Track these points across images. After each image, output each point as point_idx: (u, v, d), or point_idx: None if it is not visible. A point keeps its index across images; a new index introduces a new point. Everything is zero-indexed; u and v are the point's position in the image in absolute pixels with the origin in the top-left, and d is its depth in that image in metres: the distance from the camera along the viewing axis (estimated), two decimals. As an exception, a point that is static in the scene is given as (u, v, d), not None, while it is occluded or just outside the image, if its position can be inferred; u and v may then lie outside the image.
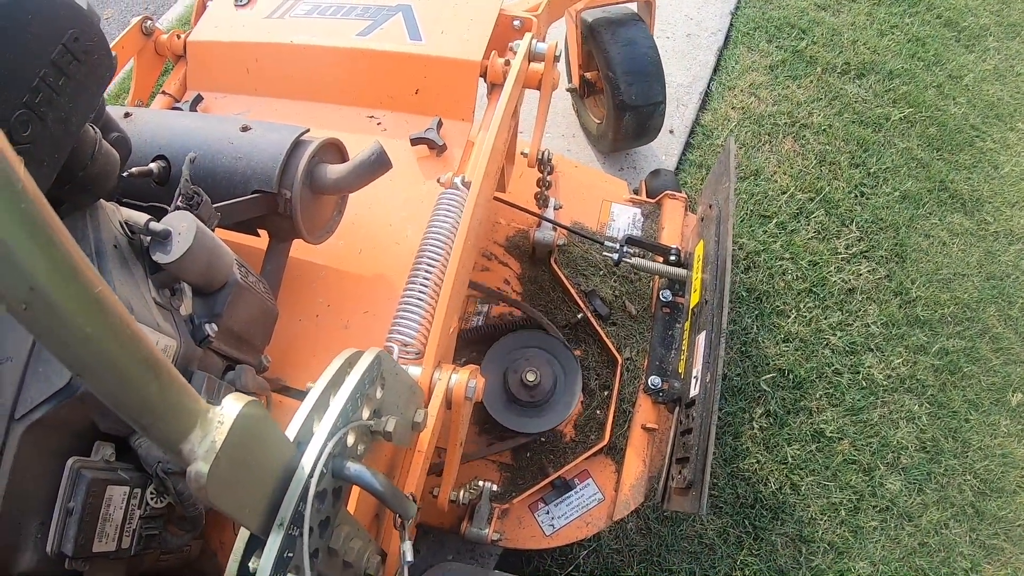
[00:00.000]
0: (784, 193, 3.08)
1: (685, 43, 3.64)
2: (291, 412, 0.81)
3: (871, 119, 3.40)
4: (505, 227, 2.32)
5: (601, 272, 2.28)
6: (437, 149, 1.78)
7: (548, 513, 1.92)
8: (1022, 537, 2.46)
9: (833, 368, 2.67)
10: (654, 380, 2.00)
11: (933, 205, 3.19)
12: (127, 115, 1.45)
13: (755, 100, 3.41)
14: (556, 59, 1.83)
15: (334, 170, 1.43)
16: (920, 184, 3.23)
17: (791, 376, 2.63)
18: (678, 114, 3.34)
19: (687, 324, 1.99)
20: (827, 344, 2.72)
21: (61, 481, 0.95)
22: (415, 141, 1.78)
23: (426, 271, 1.40)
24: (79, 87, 0.88)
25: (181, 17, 3.81)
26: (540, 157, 1.99)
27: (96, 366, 0.47)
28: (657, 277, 2.22)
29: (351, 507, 1.01)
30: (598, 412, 2.05)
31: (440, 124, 1.80)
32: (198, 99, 1.90)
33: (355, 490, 1.04)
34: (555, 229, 2.20)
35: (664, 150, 3.23)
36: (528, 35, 1.78)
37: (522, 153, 2.00)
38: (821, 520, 2.38)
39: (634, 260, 2.09)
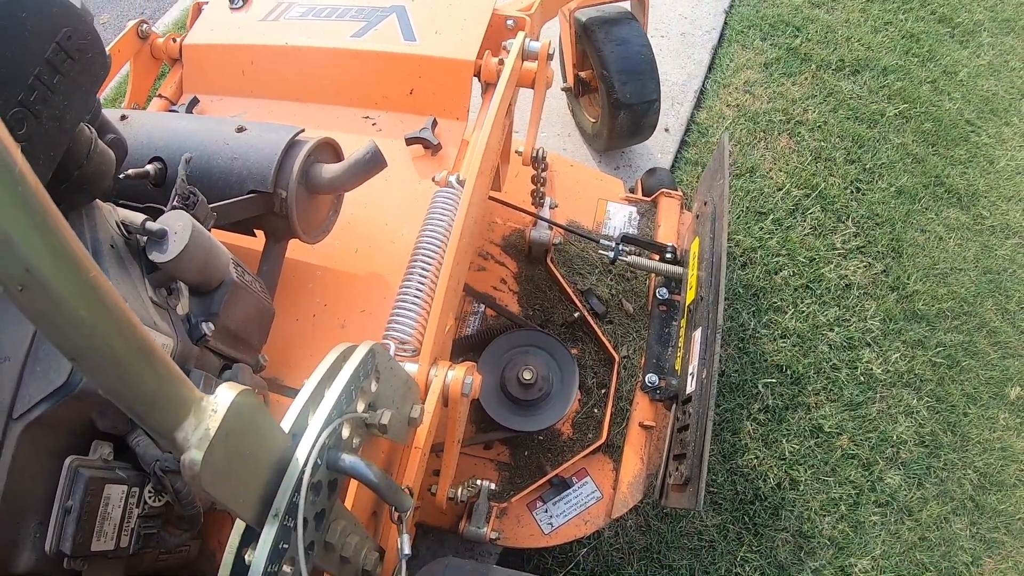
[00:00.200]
0: (780, 190, 3.09)
1: (680, 41, 3.65)
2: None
3: (866, 115, 3.41)
4: (501, 226, 2.32)
5: (597, 271, 2.29)
6: (432, 148, 1.79)
7: (547, 512, 1.92)
8: (1022, 530, 2.47)
9: (831, 363, 2.67)
10: (651, 378, 2.01)
11: (929, 200, 3.20)
12: (123, 117, 1.46)
13: (750, 97, 3.42)
14: (549, 57, 1.84)
15: (329, 169, 1.44)
16: (916, 179, 3.24)
17: (789, 372, 2.63)
18: (673, 112, 3.35)
19: (683, 321, 1.99)
20: (825, 340, 2.73)
21: (59, 480, 0.95)
22: (410, 141, 1.78)
23: (422, 269, 1.41)
24: (73, 85, 0.89)
25: (177, 21, 3.82)
26: (535, 155, 1.99)
27: (91, 350, 0.47)
28: (653, 275, 2.23)
29: (348, 502, 1.02)
30: (595, 410, 2.06)
31: (435, 123, 1.81)
32: (194, 102, 1.91)
33: (352, 486, 1.04)
34: (551, 228, 2.21)
35: (659, 148, 3.24)
36: (521, 34, 1.79)
37: (517, 152, 2.01)
38: (821, 516, 2.38)
39: (630, 258, 2.10)
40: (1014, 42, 3.97)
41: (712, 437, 1.53)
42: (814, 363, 2.67)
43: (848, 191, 3.14)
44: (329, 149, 1.52)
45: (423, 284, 1.39)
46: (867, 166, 3.23)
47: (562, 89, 3.13)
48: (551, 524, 1.90)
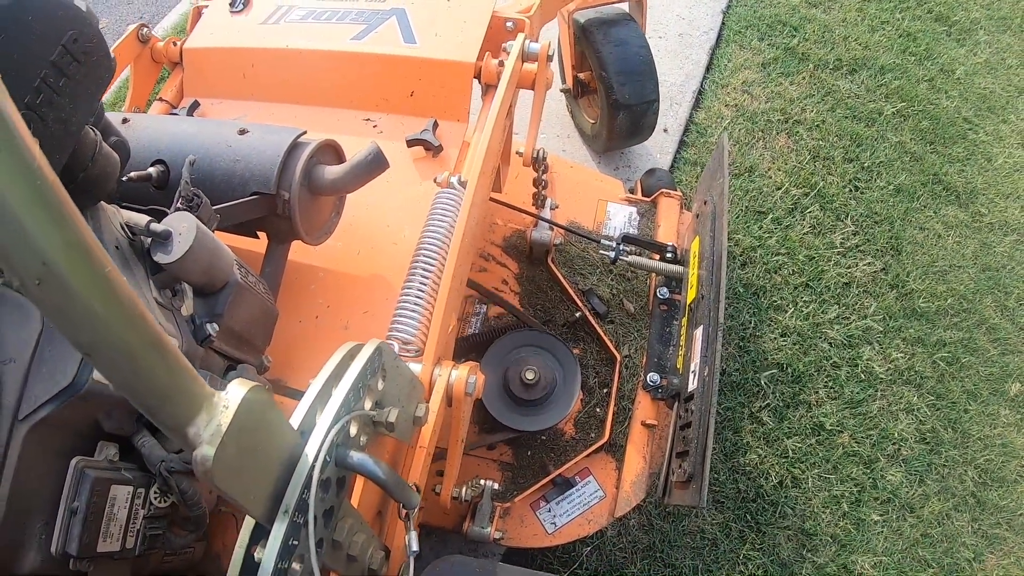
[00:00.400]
0: (779, 189, 3.10)
1: (678, 42, 3.66)
2: (292, 413, 0.82)
3: (864, 114, 3.42)
4: (502, 228, 2.33)
5: (598, 271, 2.30)
6: (433, 150, 1.79)
7: (550, 511, 1.93)
8: (1024, 526, 2.48)
9: (832, 361, 2.68)
10: (653, 377, 2.01)
11: (927, 198, 3.21)
12: (125, 121, 1.46)
13: (748, 97, 3.43)
14: (549, 59, 1.84)
15: (332, 171, 1.44)
16: (914, 177, 3.25)
17: (790, 370, 2.64)
18: (672, 113, 3.36)
19: (684, 320, 2.00)
20: (825, 338, 2.73)
21: (65, 481, 0.96)
22: (411, 142, 1.79)
23: (424, 270, 1.41)
24: (79, 88, 0.89)
25: (176, 25, 3.83)
26: (535, 156, 2.00)
27: (105, 344, 0.48)
28: (654, 275, 2.24)
29: (354, 501, 1.02)
30: (598, 410, 2.06)
31: (436, 125, 1.81)
32: (195, 105, 1.91)
33: (358, 485, 1.05)
34: (552, 229, 2.21)
35: (658, 149, 3.24)
36: (521, 36, 1.80)
37: (517, 153, 2.02)
38: (823, 513, 2.38)
39: (631, 258, 2.11)
40: (1011, 40, 3.98)
41: (714, 435, 1.53)
42: (815, 361, 2.68)
43: (847, 190, 3.15)
44: (331, 151, 1.52)
45: (425, 285, 1.39)
46: (865, 165, 3.24)
47: (561, 90, 3.14)
48: (554, 524, 1.91)
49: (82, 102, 0.92)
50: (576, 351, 2.10)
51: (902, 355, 2.74)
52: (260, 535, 0.73)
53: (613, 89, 2.57)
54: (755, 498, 2.39)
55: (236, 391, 0.62)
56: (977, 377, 2.76)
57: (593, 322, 2.13)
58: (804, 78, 3.52)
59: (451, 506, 1.59)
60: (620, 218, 2.42)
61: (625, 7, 2.69)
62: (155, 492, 1.08)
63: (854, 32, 3.76)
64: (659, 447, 1.96)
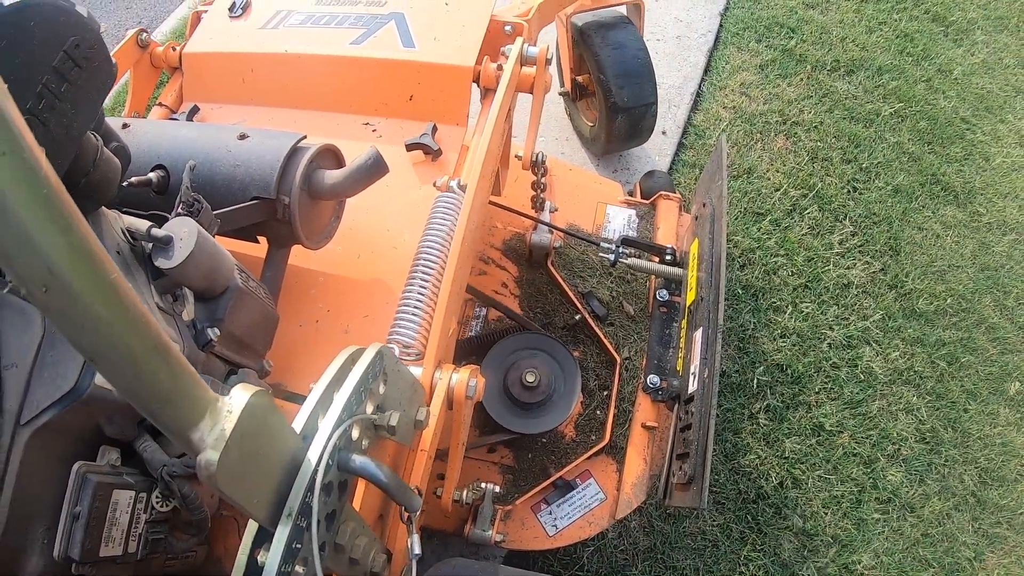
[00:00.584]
0: (777, 190, 3.10)
1: (675, 45, 3.67)
2: (294, 417, 0.83)
3: (862, 115, 3.43)
4: (502, 231, 2.33)
5: (598, 273, 2.30)
6: (432, 154, 1.79)
7: (551, 514, 1.93)
8: (1024, 526, 2.48)
9: (831, 362, 2.69)
10: (653, 379, 2.02)
11: (926, 198, 3.22)
12: (125, 126, 1.46)
13: (746, 99, 3.44)
14: (548, 62, 1.85)
15: (332, 175, 1.45)
16: (912, 178, 3.26)
17: (789, 371, 2.64)
18: (670, 115, 3.36)
19: (684, 322, 2.00)
20: (824, 339, 2.74)
21: (67, 486, 0.96)
22: (410, 146, 1.79)
23: (424, 274, 1.41)
24: (80, 93, 0.90)
25: (175, 30, 3.84)
26: (534, 159, 2.00)
27: (110, 350, 0.48)
28: (653, 277, 2.24)
29: (355, 504, 1.02)
30: (598, 412, 2.06)
31: (435, 129, 1.82)
32: (195, 110, 1.92)
33: (359, 488, 1.05)
34: (551, 232, 2.22)
35: (657, 151, 3.25)
36: (519, 40, 1.80)
37: (516, 156, 2.02)
38: (824, 514, 2.39)
39: (630, 260, 2.11)
40: (1008, 39, 3.99)
41: (714, 436, 1.53)
42: (814, 362, 2.68)
43: (845, 191, 3.16)
44: (331, 155, 1.53)
45: (425, 288, 1.40)
46: (863, 165, 3.25)
47: (560, 94, 3.15)
48: (555, 526, 1.91)
49: (84, 108, 0.92)
50: (576, 354, 2.11)
51: (901, 355, 2.74)
52: (263, 539, 0.74)
53: (611, 92, 2.58)
54: (756, 499, 2.39)
55: (240, 396, 0.62)
56: (976, 376, 2.76)
57: (593, 325, 2.14)
58: (802, 79, 3.53)
59: (452, 509, 1.59)
60: (619, 221, 2.42)
61: (623, 10, 2.70)
62: (157, 496, 1.08)
63: (851, 33, 3.77)
64: (659, 449, 1.96)
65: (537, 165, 2.03)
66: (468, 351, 2.08)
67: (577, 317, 2.16)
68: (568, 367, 2.01)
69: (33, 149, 0.40)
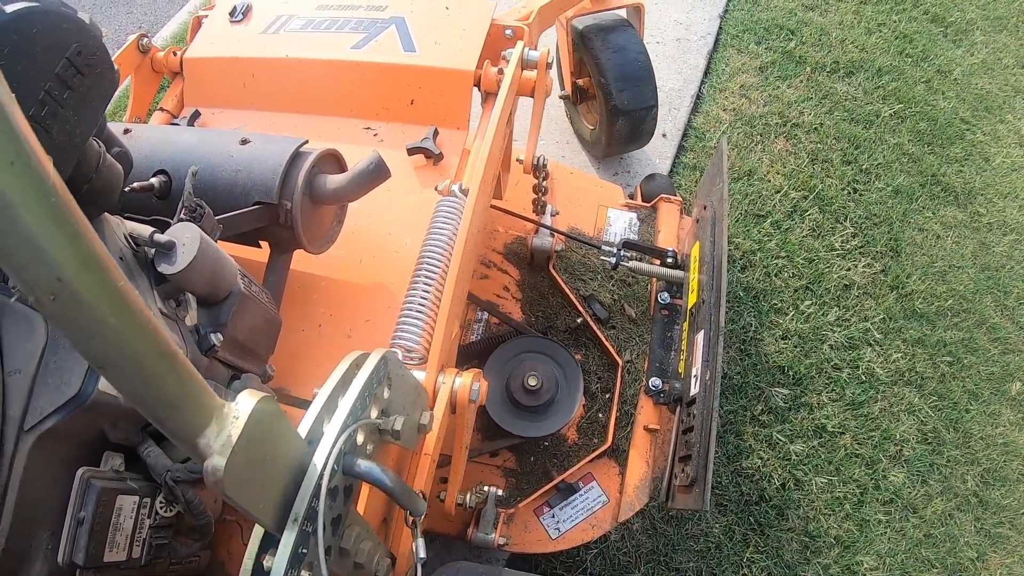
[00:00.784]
0: (778, 192, 3.11)
1: (675, 47, 3.67)
2: (297, 421, 0.83)
3: (861, 116, 3.44)
4: (503, 235, 2.34)
5: (599, 276, 2.30)
6: (434, 158, 1.80)
7: (553, 517, 1.93)
8: (1027, 526, 2.48)
9: (832, 363, 2.69)
10: (655, 381, 2.02)
11: (926, 199, 3.22)
12: (127, 131, 1.47)
13: (746, 101, 3.44)
14: (548, 66, 1.85)
15: (333, 180, 1.45)
16: (912, 179, 3.26)
17: (791, 373, 2.64)
18: (670, 118, 3.37)
19: (686, 325, 2.00)
20: (826, 340, 2.74)
21: (71, 491, 0.96)
22: (412, 151, 1.79)
23: (426, 278, 1.42)
24: (83, 100, 0.90)
25: (175, 35, 3.84)
26: (535, 163, 2.01)
27: (117, 357, 0.48)
28: (655, 280, 2.24)
29: (359, 509, 1.02)
30: (600, 415, 2.06)
31: (436, 133, 1.82)
32: (196, 115, 1.92)
33: (363, 492, 1.05)
34: (553, 235, 2.22)
35: (657, 154, 3.25)
36: (520, 43, 1.80)
37: (517, 160, 2.02)
38: (826, 515, 2.39)
39: (631, 263, 2.11)
40: (1007, 39, 4.00)
41: (716, 438, 1.54)
42: (816, 363, 2.68)
43: (845, 192, 3.16)
44: (332, 160, 1.53)
45: (428, 292, 1.40)
46: (864, 167, 3.25)
47: (560, 97, 3.15)
48: (558, 529, 1.91)
49: (86, 114, 0.93)
50: (578, 357, 2.11)
51: (903, 356, 2.74)
52: (269, 544, 0.74)
53: (612, 95, 2.58)
54: (758, 501, 2.39)
55: (246, 402, 0.63)
56: (978, 377, 2.76)
57: (595, 328, 2.14)
58: (802, 81, 3.53)
59: (455, 512, 1.59)
60: (620, 224, 2.42)
61: (623, 13, 2.70)
62: (161, 502, 1.08)
63: (851, 35, 3.78)
64: (662, 451, 1.96)
65: (538, 169, 2.03)
66: (470, 355, 2.08)
67: (579, 320, 2.16)
68: (570, 370, 2.01)
69: (40, 158, 0.41)
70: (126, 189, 1.24)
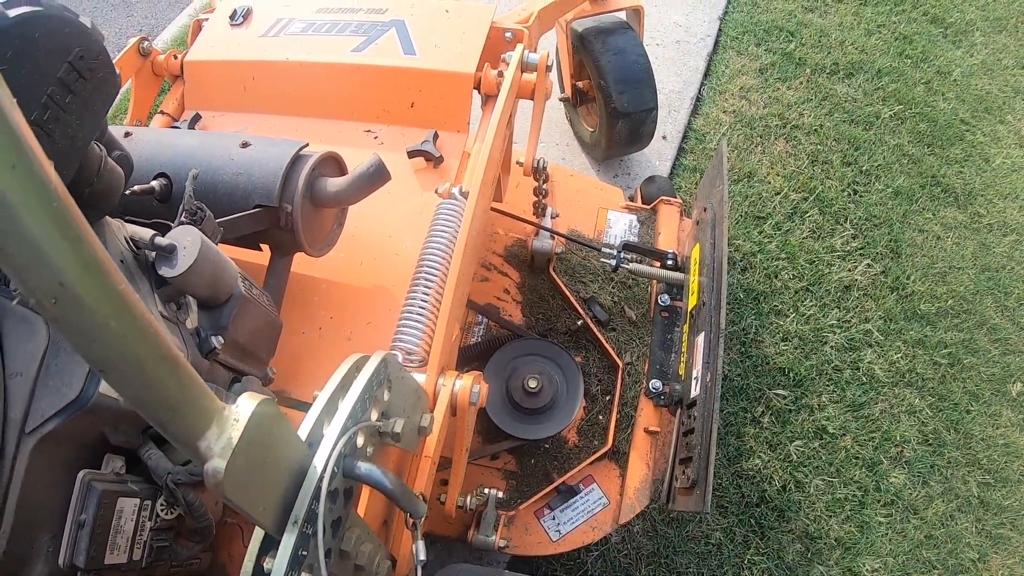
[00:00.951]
0: (778, 194, 3.11)
1: (675, 49, 3.68)
2: (297, 424, 0.83)
3: (861, 118, 3.44)
4: (503, 237, 2.34)
5: (599, 279, 2.30)
6: (434, 161, 1.80)
7: (554, 519, 1.93)
8: (1028, 527, 2.48)
9: (833, 365, 2.69)
10: (655, 383, 2.02)
11: (926, 200, 3.22)
12: (127, 134, 1.47)
13: (746, 103, 3.44)
14: (548, 69, 1.85)
15: (334, 183, 1.45)
16: (912, 180, 3.26)
17: (792, 374, 2.64)
18: (670, 120, 3.37)
19: (686, 327, 2.00)
20: (826, 341, 2.74)
21: (72, 494, 0.96)
22: (412, 153, 1.80)
23: (426, 281, 1.42)
24: (85, 104, 0.90)
25: (176, 38, 3.85)
26: (535, 165, 2.01)
27: (118, 361, 0.49)
28: (655, 282, 2.24)
29: (360, 511, 1.03)
30: (600, 417, 2.07)
31: (436, 136, 1.82)
32: (196, 118, 1.92)
33: (364, 495, 1.05)
34: (553, 238, 2.22)
35: (658, 156, 3.26)
36: (520, 46, 1.81)
37: (517, 162, 2.03)
38: (827, 516, 2.39)
39: (631, 266, 2.11)
40: (1007, 40, 4.00)
41: (717, 440, 1.54)
42: (816, 365, 2.68)
43: (846, 193, 3.16)
44: (333, 163, 1.53)
45: (428, 295, 1.40)
46: (864, 168, 3.25)
47: (560, 99, 3.16)
48: (559, 531, 1.91)
49: (88, 118, 0.93)
50: (578, 359, 2.11)
51: (903, 357, 2.75)
52: (269, 546, 0.74)
53: (612, 97, 2.59)
54: (759, 503, 2.39)
55: (246, 405, 0.63)
56: (978, 378, 2.76)
57: (595, 330, 2.14)
58: (801, 83, 3.54)
59: (456, 515, 1.59)
60: (620, 226, 2.43)
61: (623, 15, 2.71)
62: (161, 504, 1.08)
63: (850, 36, 3.78)
64: (662, 453, 1.96)
65: (538, 171, 2.04)
66: (471, 357, 2.08)
67: (579, 322, 2.17)
68: (570, 373, 2.01)
69: (42, 162, 0.41)
70: (127, 192, 1.24)
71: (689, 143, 3.32)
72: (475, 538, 1.76)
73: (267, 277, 1.51)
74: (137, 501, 1.04)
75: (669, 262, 2.18)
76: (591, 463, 1.96)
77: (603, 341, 2.12)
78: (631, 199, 2.69)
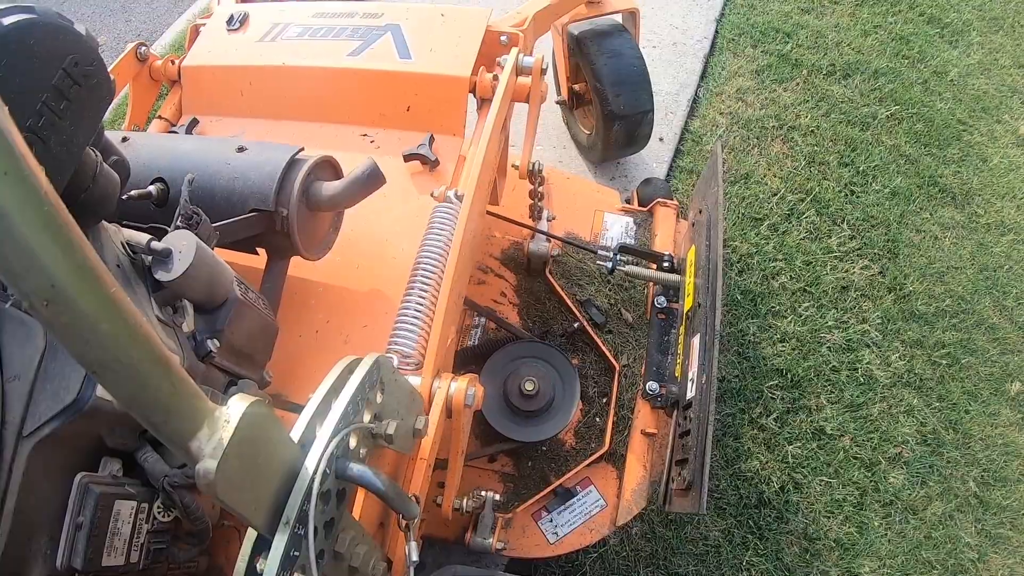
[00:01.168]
0: (775, 195, 3.12)
1: (671, 51, 3.69)
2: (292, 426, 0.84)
3: (858, 118, 3.45)
4: (500, 240, 2.35)
5: (596, 281, 2.31)
6: (430, 164, 1.81)
7: (551, 521, 1.93)
8: (1027, 527, 2.48)
9: (831, 366, 2.69)
10: (652, 385, 2.02)
11: (923, 200, 3.23)
12: (125, 140, 1.48)
13: (743, 105, 3.45)
14: (543, 72, 1.86)
15: (329, 187, 1.46)
16: (909, 180, 3.27)
17: (789, 375, 2.64)
18: (667, 122, 3.38)
19: (682, 328, 2.01)
20: (824, 342, 2.74)
21: (70, 497, 0.97)
22: (408, 157, 1.81)
23: (422, 283, 1.42)
24: (80, 110, 0.91)
25: (173, 43, 3.87)
26: (531, 168, 2.02)
27: (111, 362, 0.50)
28: (651, 284, 2.25)
29: (355, 513, 1.03)
30: (597, 419, 2.07)
31: (432, 140, 1.83)
32: (194, 123, 1.93)
33: (359, 497, 1.06)
34: (549, 240, 2.23)
35: (654, 158, 3.26)
36: (515, 50, 1.82)
37: (513, 165, 2.04)
38: (826, 517, 2.39)
39: (628, 268, 2.12)
40: (1003, 40, 4.01)
41: (714, 442, 1.54)
42: (814, 366, 2.68)
43: (842, 194, 3.17)
44: (329, 167, 1.54)
45: (424, 298, 1.41)
46: (861, 169, 3.26)
47: (556, 102, 3.17)
48: (556, 534, 1.91)
49: (83, 124, 0.94)
50: (575, 361, 2.11)
51: (901, 357, 2.75)
52: (262, 546, 0.74)
53: (608, 100, 2.59)
54: (757, 504, 2.40)
55: (237, 406, 0.64)
56: (977, 377, 2.76)
57: (591, 332, 2.14)
58: (798, 84, 3.55)
59: (452, 517, 1.60)
60: (617, 228, 2.43)
61: (618, 18, 2.72)
62: (159, 507, 1.09)
63: (847, 37, 3.79)
64: (659, 455, 1.97)
65: (534, 174, 2.04)
66: (467, 360, 2.09)
67: (576, 325, 2.17)
68: (567, 375, 2.02)
69: (34, 168, 0.42)
70: (124, 197, 1.25)
71: (686, 145, 3.33)
72: (472, 540, 1.77)
73: (263, 281, 1.52)
74: (134, 504, 1.05)
75: (665, 264, 2.18)
76: (588, 465, 1.96)
77: (600, 343, 2.13)
78: (627, 201, 2.70)
